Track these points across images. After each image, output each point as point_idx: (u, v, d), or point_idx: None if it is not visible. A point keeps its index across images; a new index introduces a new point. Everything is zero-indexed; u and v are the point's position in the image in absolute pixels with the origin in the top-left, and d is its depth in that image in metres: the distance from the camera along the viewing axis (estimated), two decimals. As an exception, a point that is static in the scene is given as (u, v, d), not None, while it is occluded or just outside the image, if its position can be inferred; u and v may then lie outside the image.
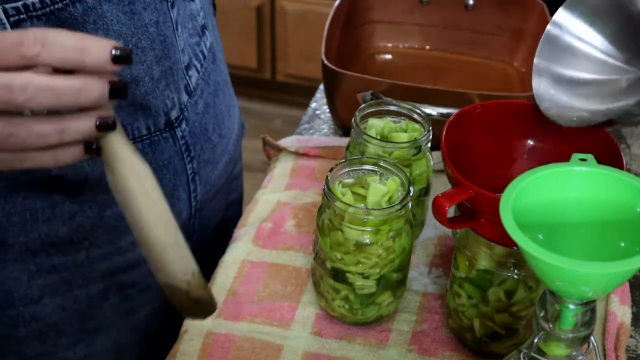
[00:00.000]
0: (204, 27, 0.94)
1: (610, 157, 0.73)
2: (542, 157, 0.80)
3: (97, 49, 0.57)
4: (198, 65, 0.92)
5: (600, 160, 0.64)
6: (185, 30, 0.89)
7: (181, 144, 0.90)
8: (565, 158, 0.64)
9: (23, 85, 0.55)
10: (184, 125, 0.90)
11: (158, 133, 0.86)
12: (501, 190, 0.62)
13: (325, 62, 1.06)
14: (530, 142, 0.81)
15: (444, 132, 0.76)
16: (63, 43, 0.56)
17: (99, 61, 0.57)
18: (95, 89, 0.57)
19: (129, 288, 0.91)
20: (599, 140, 0.76)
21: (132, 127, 0.84)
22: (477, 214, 0.73)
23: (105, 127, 0.59)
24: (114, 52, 0.57)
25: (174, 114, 0.88)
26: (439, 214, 0.73)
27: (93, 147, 0.60)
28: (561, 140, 0.79)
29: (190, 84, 0.90)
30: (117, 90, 0.58)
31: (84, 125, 0.59)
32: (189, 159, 0.91)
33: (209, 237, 1.03)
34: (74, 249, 0.85)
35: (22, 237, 0.82)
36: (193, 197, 0.95)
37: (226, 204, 1.07)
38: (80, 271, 0.86)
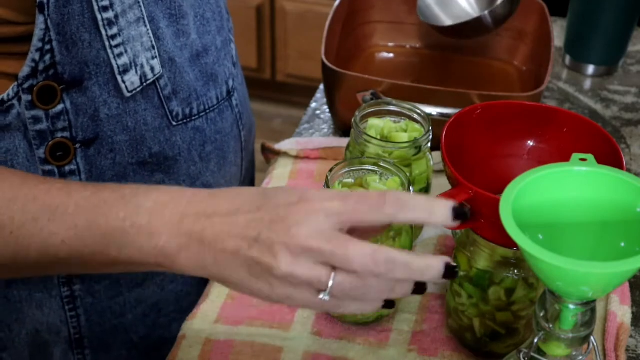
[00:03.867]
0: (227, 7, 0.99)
1: (610, 157, 0.73)
2: (542, 157, 0.80)
3: (442, 209, 0.63)
4: (233, 40, 0.99)
5: (600, 161, 0.64)
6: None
7: (236, 112, 0.95)
8: (566, 158, 0.65)
9: (389, 259, 0.61)
10: (235, 94, 0.95)
11: (223, 101, 0.92)
12: (501, 191, 0.62)
13: (325, 62, 1.06)
14: (530, 143, 0.81)
15: (444, 133, 0.76)
16: (415, 205, 0.62)
17: (443, 220, 0.63)
18: (436, 270, 0.62)
19: None
20: (599, 141, 0.76)
21: (206, 97, 0.88)
22: (476, 215, 0.73)
23: (420, 289, 0.64)
24: (454, 211, 0.63)
25: (230, 83, 0.94)
26: None
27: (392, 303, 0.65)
28: (561, 141, 0.79)
29: (234, 56, 0.97)
30: (451, 273, 0.63)
31: (406, 288, 0.64)
32: (242, 126, 0.98)
33: None
34: None
35: None
36: (243, 166, 1.01)
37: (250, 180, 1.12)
38: None
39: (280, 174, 1.04)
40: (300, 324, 0.84)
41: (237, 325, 0.84)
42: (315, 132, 1.13)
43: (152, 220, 0.64)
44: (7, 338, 0.86)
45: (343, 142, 1.05)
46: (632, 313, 0.86)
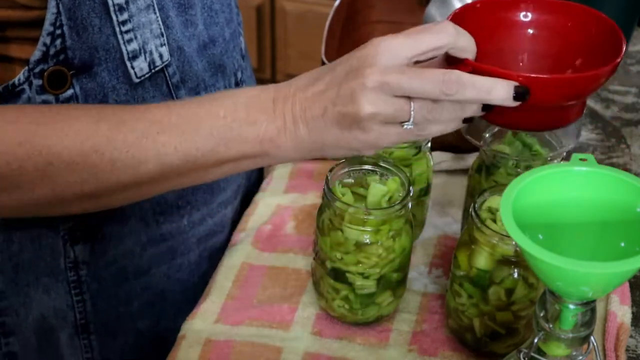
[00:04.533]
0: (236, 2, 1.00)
1: (610, 42, 0.75)
2: (544, 50, 0.80)
3: (503, 89, 0.68)
4: (243, 33, 0.99)
5: (600, 49, 0.72)
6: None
7: None
8: (566, 46, 0.75)
9: (459, 80, 0.67)
10: (244, 86, 0.96)
11: None
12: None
13: (325, 62, 1.06)
14: (531, 31, 0.81)
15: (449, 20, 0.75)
16: (476, 84, 0.68)
17: (503, 100, 0.68)
18: (504, 91, 0.68)
19: (217, 253, 0.95)
20: (601, 26, 0.77)
21: (214, 88, 0.89)
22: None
23: (487, 108, 0.70)
24: (515, 91, 0.68)
25: (239, 75, 0.94)
26: None
27: (470, 119, 0.71)
28: (563, 30, 0.79)
29: (242, 48, 0.98)
30: (521, 95, 0.68)
31: (475, 107, 0.70)
32: None
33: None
34: (179, 214, 0.90)
35: (137, 208, 0.86)
36: None
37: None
38: (182, 237, 0.91)
39: (280, 174, 1.04)
40: (300, 324, 0.84)
41: (237, 325, 0.84)
42: (315, 132, 1.13)
43: (250, 112, 0.71)
44: (14, 323, 0.87)
45: (343, 142, 1.05)
46: (632, 313, 0.86)
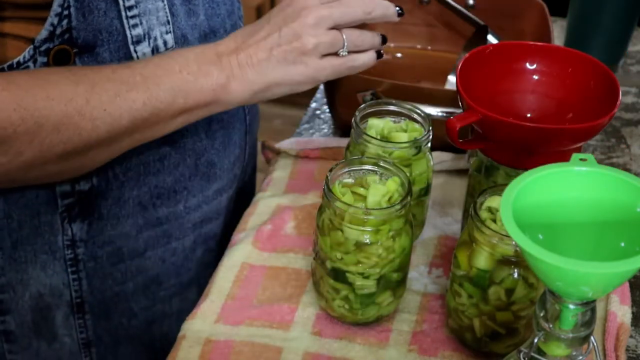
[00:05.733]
0: None
1: (607, 88, 0.84)
2: (548, 91, 0.89)
3: (392, 7, 0.88)
4: (243, 26, 1.00)
5: (598, 92, 0.83)
6: None
7: None
8: (568, 90, 0.85)
9: (370, 1, 0.86)
10: None
11: None
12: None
13: (325, 62, 1.06)
14: (536, 78, 0.89)
15: (459, 67, 0.85)
16: (381, 3, 0.87)
17: (393, 14, 0.89)
18: (393, 7, 0.88)
19: (210, 239, 0.98)
20: (598, 74, 0.86)
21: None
22: (486, 137, 0.83)
23: (384, 39, 0.89)
24: (398, 10, 0.89)
25: None
26: (450, 133, 0.80)
27: (381, 53, 0.90)
28: (564, 76, 0.88)
29: None
30: (401, 13, 0.89)
31: (379, 35, 0.89)
32: (247, 109, 1.01)
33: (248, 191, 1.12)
34: (175, 199, 0.92)
35: (135, 191, 0.88)
36: (247, 151, 1.03)
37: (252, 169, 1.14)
38: (178, 222, 0.94)
39: (280, 174, 1.04)
40: (300, 324, 0.84)
41: (237, 325, 0.84)
42: (315, 132, 1.14)
43: (200, 65, 0.80)
44: (11, 300, 0.88)
45: (343, 142, 1.05)
46: (632, 313, 0.86)
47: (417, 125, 0.89)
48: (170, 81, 0.79)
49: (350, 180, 0.82)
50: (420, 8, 1.23)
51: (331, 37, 0.83)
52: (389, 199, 0.79)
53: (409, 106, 0.90)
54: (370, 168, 0.82)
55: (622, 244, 0.61)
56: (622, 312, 0.84)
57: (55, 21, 0.77)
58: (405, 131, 0.89)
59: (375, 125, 0.89)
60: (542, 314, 0.62)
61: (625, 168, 1.07)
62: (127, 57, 0.82)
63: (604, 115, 0.79)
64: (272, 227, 0.95)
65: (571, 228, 0.63)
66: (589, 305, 0.60)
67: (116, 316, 0.93)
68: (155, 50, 0.84)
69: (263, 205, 0.99)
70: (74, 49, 0.79)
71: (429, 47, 1.25)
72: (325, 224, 0.80)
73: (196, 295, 0.97)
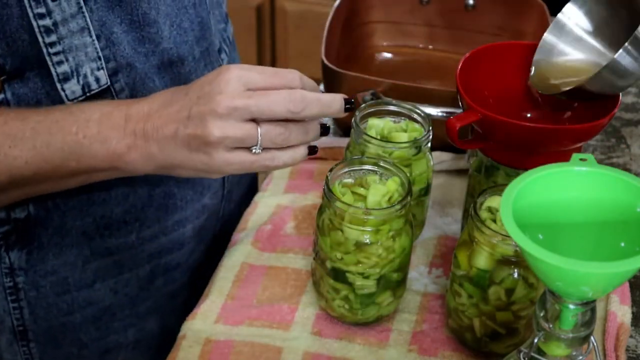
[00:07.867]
0: (227, 15, 0.98)
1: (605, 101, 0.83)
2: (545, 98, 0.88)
3: (337, 104, 0.73)
4: (227, 50, 0.97)
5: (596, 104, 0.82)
6: (214, 16, 0.93)
7: None
8: (566, 92, 0.81)
9: (303, 97, 0.71)
10: None
11: None
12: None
13: (325, 62, 1.06)
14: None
15: (459, 67, 0.84)
16: (319, 101, 0.72)
17: (338, 112, 0.74)
18: (339, 103, 0.74)
19: (173, 270, 0.94)
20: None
21: None
22: (486, 137, 0.83)
23: (326, 130, 0.76)
24: (345, 105, 0.74)
25: None
26: (450, 133, 0.80)
27: (314, 149, 0.76)
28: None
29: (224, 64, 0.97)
30: (349, 108, 0.74)
31: (316, 129, 0.74)
32: None
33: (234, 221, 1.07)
34: (127, 229, 0.89)
35: (79, 221, 0.85)
36: (226, 179, 0.99)
37: (247, 192, 1.10)
38: (130, 253, 0.90)
39: (280, 174, 1.04)
40: (300, 324, 0.84)
41: (237, 325, 0.84)
42: (315, 132, 1.13)
43: (101, 129, 0.73)
44: None
45: (343, 142, 1.05)
46: (632, 313, 0.86)
47: (417, 125, 0.89)
48: (62, 142, 0.73)
49: (350, 180, 0.82)
50: (420, 8, 1.23)
51: (243, 131, 0.70)
52: (389, 199, 0.79)
53: (409, 106, 0.90)
54: (370, 168, 0.82)
55: (622, 244, 0.61)
56: (622, 312, 0.84)
57: None
58: (405, 131, 0.89)
59: (375, 125, 0.89)
60: (542, 314, 0.62)
61: (625, 168, 1.07)
62: (56, 91, 0.77)
63: (604, 115, 0.79)
64: (272, 227, 0.95)
65: (571, 228, 0.63)
66: (589, 305, 0.60)
67: (65, 346, 0.91)
68: (86, 88, 0.78)
69: (263, 205, 0.99)
70: (1, 76, 0.76)
71: (429, 47, 1.25)
72: (325, 224, 0.80)
73: (155, 326, 0.94)
